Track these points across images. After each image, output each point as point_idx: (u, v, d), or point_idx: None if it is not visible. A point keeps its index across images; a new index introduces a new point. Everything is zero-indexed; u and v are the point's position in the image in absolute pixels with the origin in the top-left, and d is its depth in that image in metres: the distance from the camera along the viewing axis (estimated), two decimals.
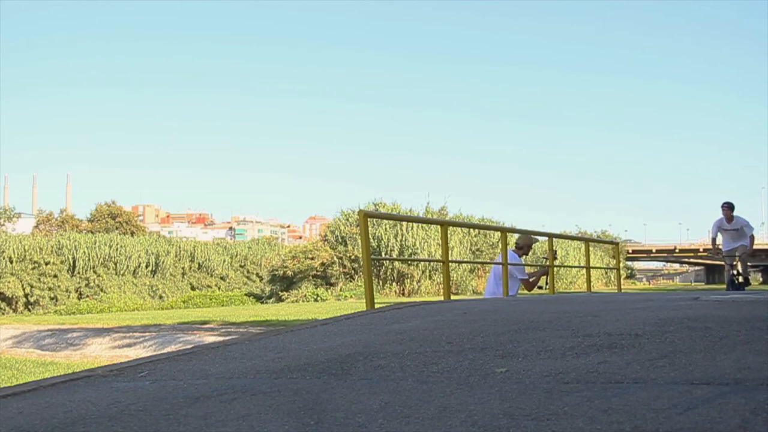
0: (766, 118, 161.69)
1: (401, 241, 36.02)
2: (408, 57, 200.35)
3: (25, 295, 42.16)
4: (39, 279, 42.77)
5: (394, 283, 35.54)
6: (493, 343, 3.64)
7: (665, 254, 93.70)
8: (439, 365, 3.12)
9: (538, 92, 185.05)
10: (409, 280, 35.27)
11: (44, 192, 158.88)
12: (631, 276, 79.79)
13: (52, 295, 42.59)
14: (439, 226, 13.59)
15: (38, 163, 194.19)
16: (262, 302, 35.78)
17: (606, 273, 50.46)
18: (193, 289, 47.19)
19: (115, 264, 46.25)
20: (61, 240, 46.43)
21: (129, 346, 15.01)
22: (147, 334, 16.04)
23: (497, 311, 5.24)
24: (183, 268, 49.76)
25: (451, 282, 9.22)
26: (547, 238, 10.96)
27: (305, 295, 33.36)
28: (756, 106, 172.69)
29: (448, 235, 8.85)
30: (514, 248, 9.15)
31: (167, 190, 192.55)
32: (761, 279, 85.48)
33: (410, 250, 35.65)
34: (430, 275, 35.66)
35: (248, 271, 53.17)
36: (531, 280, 9.20)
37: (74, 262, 44.73)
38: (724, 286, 13.88)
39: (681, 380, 2.59)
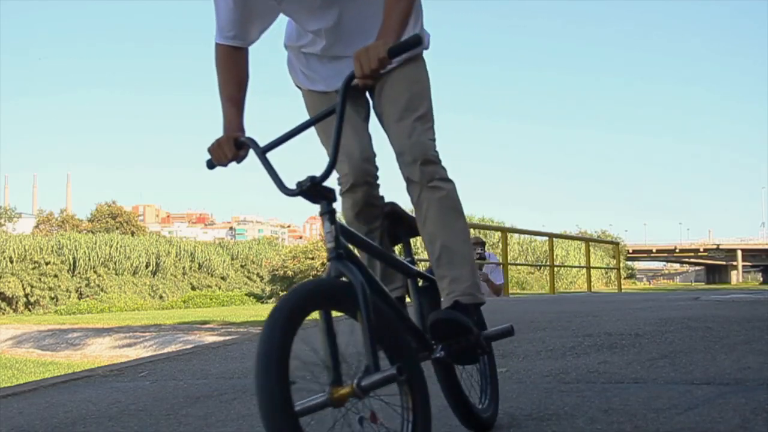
0: (766, 118, 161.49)
1: None
2: None
3: (26, 295, 42.13)
4: (39, 279, 42.74)
5: None
6: (493, 342, 3.63)
7: (665, 254, 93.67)
8: None
9: (539, 92, 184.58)
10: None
11: (44, 192, 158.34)
12: (631, 276, 79.72)
13: (52, 295, 42.55)
14: None
15: (38, 163, 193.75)
16: (262, 302, 35.76)
17: (606, 273, 50.42)
18: (193, 289, 47.11)
19: (116, 264, 46.19)
20: (61, 240, 46.38)
21: (129, 346, 15.00)
22: (147, 334, 16.04)
23: (497, 311, 5.24)
24: (183, 268, 49.69)
25: None
26: (547, 238, 10.97)
27: None
28: (756, 106, 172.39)
29: None
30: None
31: (167, 190, 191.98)
32: (761, 279, 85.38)
33: None
34: None
35: (249, 271, 53.09)
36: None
37: (74, 262, 44.68)
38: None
39: (681, 380, 2.59)
